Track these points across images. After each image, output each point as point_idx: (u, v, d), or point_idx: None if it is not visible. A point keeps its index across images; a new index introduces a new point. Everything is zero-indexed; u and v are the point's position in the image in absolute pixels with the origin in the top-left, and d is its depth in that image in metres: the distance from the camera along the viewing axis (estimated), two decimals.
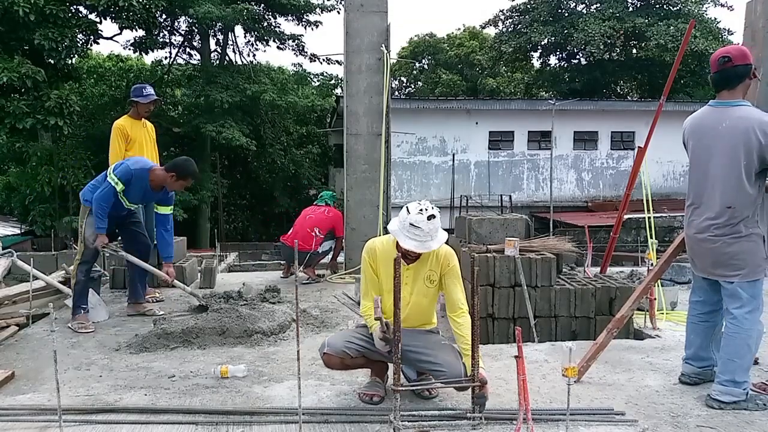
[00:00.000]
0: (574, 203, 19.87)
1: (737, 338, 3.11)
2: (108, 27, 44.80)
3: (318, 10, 19.69)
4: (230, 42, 21.16)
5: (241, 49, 21.64)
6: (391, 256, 3.03)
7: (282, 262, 7.91)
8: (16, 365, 3.81)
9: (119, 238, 5.22)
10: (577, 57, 26.32)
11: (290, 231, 6.89)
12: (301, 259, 6.46)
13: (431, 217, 2.88)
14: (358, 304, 5.45)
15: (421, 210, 2.89)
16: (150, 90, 5.83)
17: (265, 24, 19.73)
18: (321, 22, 19.89)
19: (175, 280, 5.06)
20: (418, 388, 3.19)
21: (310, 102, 21.80)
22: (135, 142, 5.66)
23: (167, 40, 20.46)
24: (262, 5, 19.54)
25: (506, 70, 31.65)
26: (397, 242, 3.03)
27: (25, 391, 3.39)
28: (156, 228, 5.08)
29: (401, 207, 3.06)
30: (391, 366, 3.03)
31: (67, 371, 3.72)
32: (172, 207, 5.11)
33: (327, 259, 6.96)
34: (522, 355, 2.63)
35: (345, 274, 6.85)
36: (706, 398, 3.18)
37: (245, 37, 20.87)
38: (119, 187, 4.65)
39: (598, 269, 6.37)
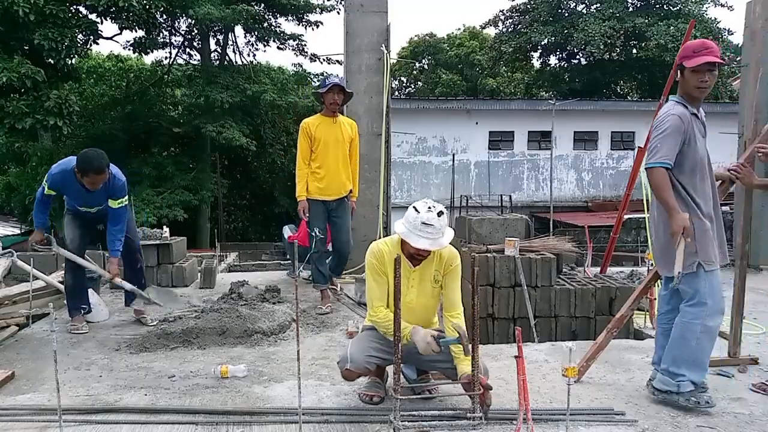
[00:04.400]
0: (574, 203, 19.88)
1: (676, 330, 3.16)
2: (108, 27, 44.79)
3: (318, 10, 19.69)
4: (230, 42, 21.15)
5: (241, 50, 21.66)
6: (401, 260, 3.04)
7: (282, 262, 7.97)
8: (16, 365, 3.81)
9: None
10: (577, 57, 26.31)
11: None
12: (303, 255, 6.48)
13: (440, 213, 2.92)
14: (359, 304, 5.45)
15: (429, 208, 2.91)
16: (333, 78, 5.20)
17: (266, 24, 19.72)
18: (321, 22, 19.88)
19: (117, 278, 4.63)
20: (420, 387, 3.19)
21: (310, 102, 21.78)
22: (319, 142, 5.19)
23: (167, 41, 20.45)
24: (262, 5, 19.53)
25: (506, 70, 31.62)
26: (402, 244, 3.02)
27: (25, 391, 3.39)
28: (107, 221, 4.64)
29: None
30: (390, 366, 3.03)
31: (67, 371, 3.72)
32: (123, 199, 4.57)
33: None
34: (522, 355, 2.63)
35: (345, 274, 6.84)
36: (648, 383, 3.27)
37: (245, 37, 20.87)
38: (47, 190, 4.49)
39: (598, 269, 6.38)
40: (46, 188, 4.50)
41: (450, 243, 3.05)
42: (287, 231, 7.17)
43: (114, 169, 4.50)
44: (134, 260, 4.98)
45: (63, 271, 6.35)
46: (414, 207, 2.94)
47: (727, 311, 4.13)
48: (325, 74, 5.44)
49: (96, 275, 5.47)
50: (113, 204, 4.52)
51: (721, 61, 3.11)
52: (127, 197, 4.64)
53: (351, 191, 5.44)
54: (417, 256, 2.99)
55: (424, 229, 2.86)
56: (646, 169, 3.13)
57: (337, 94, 5.10)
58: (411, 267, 3.07)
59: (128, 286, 4.68)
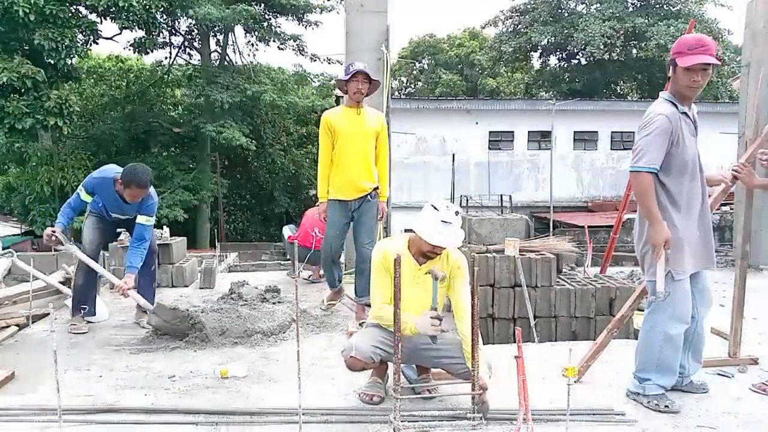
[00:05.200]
0: (574, 203, 19.87)
1: (641, 336, 3.21)
2: (108, 27, 44.71)
3: (318, 10, 19.70)
4: (230, 42, 21.16)
5: (241, 50, 21.66)
6: (407, 258, 3.08)
7: (282, 262, 7.96)
8: (16, 365, 3.80)
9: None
10: (577, 57, 26.32)
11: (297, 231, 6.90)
12: (303, 255, 6.48)
13: (456, 212, 3.02)
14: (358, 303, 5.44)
15: (447, 207, 3.02)
16: (358, 65, 4.53)
17: (266, 24, 19.73)
18: (321, 22, 19.92)
19: (132, 292, 4.47)
20: (420, 387, 3.19)
21: (310, 102, 21.82)
22: (340, 135, 4.55)
23: (167, 41, 20.47)
24: (262, 5, 19.54)
25: (506, 70, 31.64)
26: (413, 243, 3.09)
27: (25, 391, 3.38)
28: (132, 237, 4.72)
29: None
30: (391, 366, 3.03)
31: (67, 371, 3.71)
32: (152, 218, 4.67)
33: None
34: (522, 355, 2.63)
35: (345, 274, 6.84)
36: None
37: (245, 37, 20.88)
38: (83, 195, 4.56)
39: (598, 269, 6.37)
40: (82, 194, 4.58)
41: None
42: (287, 231, 7.17)
43: (152, 189, 4.61)
44: (151, 260, 4.95)
45: (63, 271, 6.37)
46: (432, 206, 3.02)
47: (727, 311, 4.14)
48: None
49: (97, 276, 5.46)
50: (142, 220, 4.61)
51: (716, 62, 2.93)
52: (153, 218, 4.71)
53: (376, 189, 4.74)
54: (430, 254, 3.04)
55: (443, 227, 2.95)
56: (630, 172, 3.00)
57: (362, 82, 4.48)
58: (417, 265, 3.10)
59: (142, 301, 4.59)
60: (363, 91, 4.52)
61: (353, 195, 4.64)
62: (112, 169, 4.58)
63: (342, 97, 5.41)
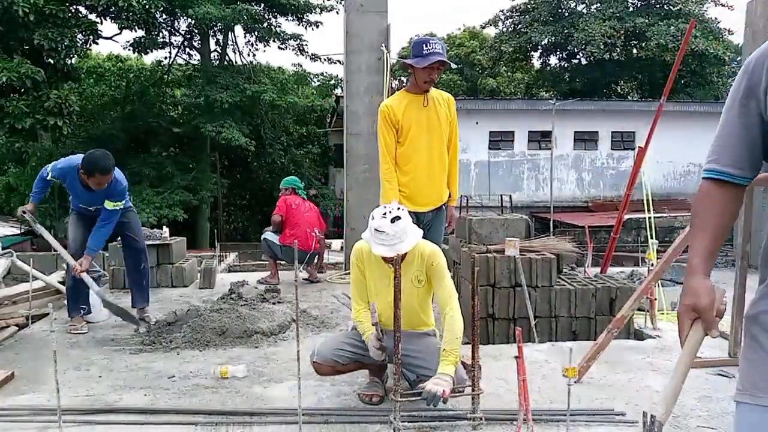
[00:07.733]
0: (574, 203, 19.86)
1: None
2: (108, 27, 44.75)
3: (318, 10, 19.69)
4: (230, 42, 21.16)
5: (241, 49, 21.66)
6: (378, 258, 3.02)
7: (282, 262, 7.67)
8: (16, 365, 3.80)
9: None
10: (578, 57, 26.32)
11: (286, 231, 6.55)
12: (302, 258, 6.47)
13: (396, 219, 2.84)
14: None
15: (384, 214, 2.86)
16: (435, 45, 3.57)
17: (266, 24, 19.73)
18: (321, 22, 19.90)
19: (84, 275, 4.53)
20: (420, 388, 3.18)
21: (310, 102, 21.82)
22: (408, 130, 3.69)
23: (167, 41, 20.45)
24: (262, 5, 19.54)
25: (506, 70, 31.62)
26: None
27: (25, 391, 3.38)
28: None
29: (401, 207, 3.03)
30: (390, 366, 3.03)
31: (66, 371, 3.71)
32: (119, 203, 4.60)
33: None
34: (522, 356, 2.62)
35: (345, 274, 6.85)
36: None
37: (245, 37, 20.88)
38: (50, 176, 4.59)
39: (598, 269, 6.38)
40: (49, 174, 4.61)
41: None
42: (272, 237, 6.65)
43: (118, 173, 4.58)
44: (138, 260, 5.00)
45: (62, 271, 6.37)
46: (372, 213, 2.92)
47: (727, 311, 4.14)
48: (423, 37, 3.71)
49: (96, 275, 5.47)
50: (108, 205, 4.56)
51: None
52: (123, 201, 4.66)
53: (450, 195, 3.95)
54: (386, 260, 2.95)
55: (377, 236, 2.85)
56: None
57: (437, 69, 3.62)
58: (390, 267, 3.04)
59: (94, 287, 4.68)
60: (435, 80, 3.67)
61: (430, 205, 3.80)
62: (77, 159, 4.53)
63: (341, 97, 5.32)
